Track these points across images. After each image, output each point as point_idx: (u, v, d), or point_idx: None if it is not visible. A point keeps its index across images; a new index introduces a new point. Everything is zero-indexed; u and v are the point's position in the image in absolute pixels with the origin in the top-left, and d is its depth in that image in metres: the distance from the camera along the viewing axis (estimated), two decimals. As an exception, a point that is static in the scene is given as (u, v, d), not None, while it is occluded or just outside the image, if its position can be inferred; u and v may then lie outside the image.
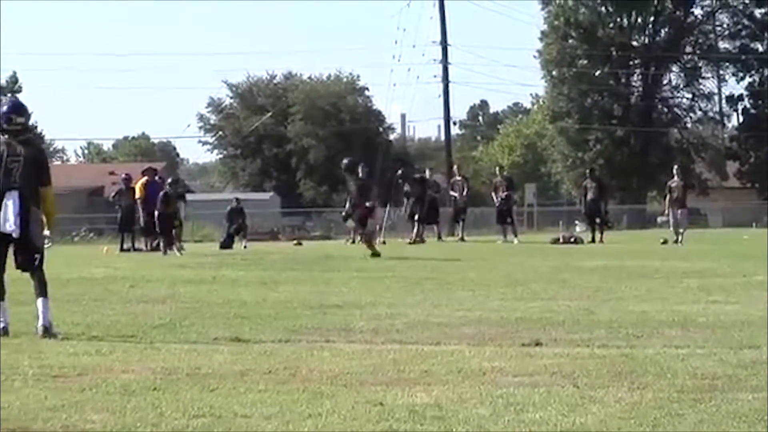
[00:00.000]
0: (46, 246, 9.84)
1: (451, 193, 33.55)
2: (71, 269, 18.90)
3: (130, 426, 5.71)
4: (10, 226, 9.37)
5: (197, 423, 5.76)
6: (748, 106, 65.92)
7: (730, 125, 69.34)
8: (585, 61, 63.42)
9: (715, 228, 49.16)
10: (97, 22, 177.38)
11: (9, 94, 60.16)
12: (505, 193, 31.13)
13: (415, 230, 30.35)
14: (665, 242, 28.21)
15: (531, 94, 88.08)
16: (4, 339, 9.01)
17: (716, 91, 67.10)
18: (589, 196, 30.87)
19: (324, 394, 6.48)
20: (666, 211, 30.19)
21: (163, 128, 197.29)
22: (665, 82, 66.69)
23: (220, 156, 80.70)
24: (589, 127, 62.81)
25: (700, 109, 66.80)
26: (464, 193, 32.73)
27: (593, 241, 29.43)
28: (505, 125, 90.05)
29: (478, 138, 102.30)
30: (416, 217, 30.49)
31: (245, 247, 29.75)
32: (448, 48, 57.45)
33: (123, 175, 31.08)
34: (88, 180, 66.37)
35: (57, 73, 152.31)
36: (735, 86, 67.50)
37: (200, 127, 77.36)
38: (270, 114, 71.56)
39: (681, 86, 66.93)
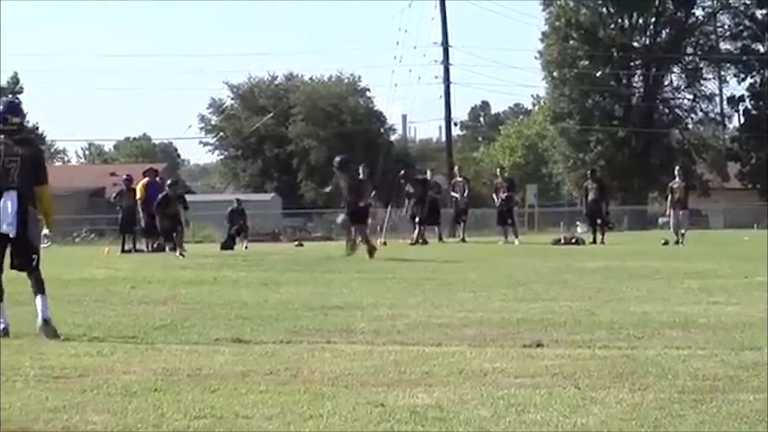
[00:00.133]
0: (45, 245, 9.84)
1: (452, 194, 33.54)
2: (72, 270, 18.92)
3: (132, 427, 5.71)
4: (9, 226, 9.37)
5: (198, 424, 5.76)
6: (750, 107, 65.92)
7: (731, 126, 69.39)
8: (586, 62, 63.43)
9: (716, 229, 49.15)
10: (98, 22, 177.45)
11: (10, 95, 60.24)
12: (506, 194, 31.11)
13: (416, 231, 30.35)
14: (666, 243, 28.22)
15: (532, 95, 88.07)
16: (4, 340, 9.01)
17: (717, 92, 67.18)
18: (590, 197, 30.86)
19: (325, 395, 6.48)
20: (667, 212, 30.24)
21: (164, 129, 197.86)
22: (666, 83, 66.71)
23: (221, 157, 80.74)
24: (590, 128, 62.82)
25: (701, 110, 66.82)
26: (465, 194, 32.73)
27: (594, 242, 29.42)
28: (506, 126, 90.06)
29: (479, 139, 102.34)
30: (417, 218, 30.49)
31: (246, 248, 29.77)
32: (449, 49, 57.52)
33: (124, 176, 31.07)
34: (90, 181, 66.43)
35: (58, 74, 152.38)
36: (736, 87, 67.59)
37: (201, 128, 77.49)
38: (271, 115, 71.59)
39: (682, 87, 66.95)
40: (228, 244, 30.37)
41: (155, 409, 6.10)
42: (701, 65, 66.35)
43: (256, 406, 6.16)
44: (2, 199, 9.40)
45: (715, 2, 66.07)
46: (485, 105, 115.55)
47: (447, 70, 57.02)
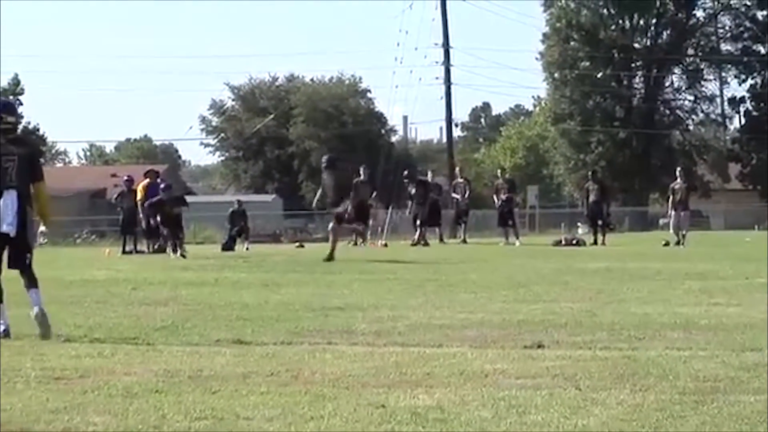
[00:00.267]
0: (42, 242, 9.86)
1: (453, 195, 33.54)
2: (73, 271, 18.93)
3: (132, 428, 5.71)
4: (9, 226, 9.39)
5: (199, 425, 5.76)
6: (750, 108, 65.97)
7: (732, 127, 69.48)
8: (587, 63, 63.48)
9: (717, 230, 49.17)
10: (98, 23, 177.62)
11: (11, 96, 60.25)
12: (506, 195, 31.11)
13: (417, 232, 30.36)
14: (667, 244, 28.22)
15: (533, 96, 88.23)
16: (5, 341, 9.01)
17: (718, 93, 67.26)
18: (591, 198, 30.87)
19: (326, 397, 6.48)
20: (669, 213, 30.26)
21: (165, 130, 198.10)
22: (667, 84, 66.76)
23: (222, 158, 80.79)
24: (591, 129, 62.86)
25: (702, 111, 66.89)
26: (466, 195, 32.72)
27: (595, 243, 29.42)
28: (507, 127, 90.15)
29: (480, 140, 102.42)
30: (418, 219, 30.49)
31: (247, 249, 29.79)
32: (450, 50, 57.57)
33: (125, 178, 31.11)
34: (90, 182, 66.51)
35: (59, 75, 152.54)
36: (737, 88, 67.69)
37: (202, 129, 77.57)
38: (272, 116, 71.62)
39: (683, 88, 67.01)
40: (229, 246, 30.38)
41: (156, 410, 6.10)
42: (702, 66, 66.40)
43: (257, 408, 6.15)
44: (2, 199, 9.41)
45: (715, 3, 66.12)
46: (486, 106, 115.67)
47: (448, 71, 57.08)
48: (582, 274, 17.00)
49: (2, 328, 9.31)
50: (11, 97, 59.01)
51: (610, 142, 63.02)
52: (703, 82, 66.23)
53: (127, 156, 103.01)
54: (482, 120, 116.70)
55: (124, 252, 28.02)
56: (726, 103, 67.62)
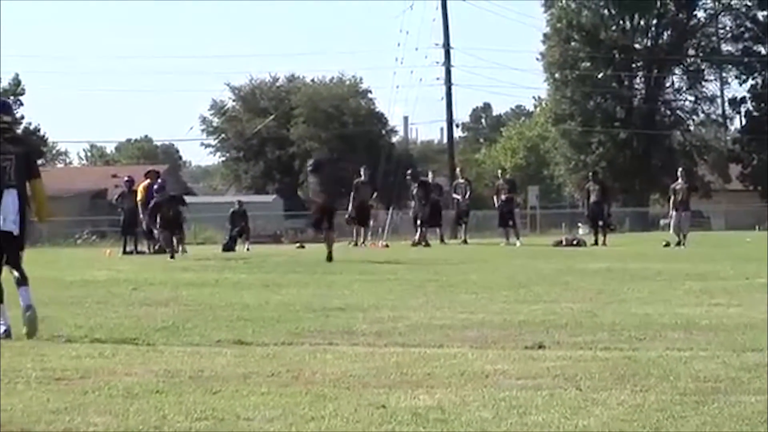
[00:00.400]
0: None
1: (454, 195, 33.53)
2: (74, 272, 18.94)
3: (133, 429, 5.71)
4: (13, 224, 9.42)
5: (200, 426, 5.76)
6: (751, 108, 65.97)
7: (732, 128, 69.49)
8: (588, 64, 63.47)
9: (717, 230, 49.16)
10: (99, 24, 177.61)
11: (12, 97, 60.27)
12: (507, 195, 31.11)
13: (418, 233, 30.37)
14: (668, 245, 28.21)
15: (533, 97, 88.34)
16: (6, 342, 9.02)
17: (719, 93, 67.25)
18: (592, 198, 30.88)
19: (327, 397, 6.48)
20: (670, 213, 30.27)
21: (165, 131, 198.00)
22: (668, 84, 66.76)
23: (223, 158, 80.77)
24: (592, 130, 62.87)
25: (703, 112, 66.90)
26: (467, 195, 32.71)
27: (596, 243, 29.42)
28: (507, 128, 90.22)
29: (481, 140, 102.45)
30: (419, 219, 30.50)
31: (248, 249, 29.79)
32: (451, 50, 57.55)
33: (126, 178, 31.12)
34: (91, 183, 66.51)
35: (60, 76, 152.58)
36: (738, 89, 67.72)
37: (203, 130, 77.53)
38: (273, 116, 71.61)
39: (684, 89, 67.02)
40: (229, 246, 30.37)
41: (157, 410, 6.10)
42: (703, 67, 66.41)
43: (257, 408, 6.16)
44: (2, 198, 9.43)
45: (716, 4, 66.11)
46: (487, 107, 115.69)
47: (448, 72, 57.07)
48: (583, 274, 17.00)
49: (3, 328, 9.32)
50: (11, 98, 59.05)
51: (610, 143, 63.02)
52: (703, 83, 66.27)
53: (127, 156, 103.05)
54: (483, 120, 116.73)
55: (124, 252, 28.04)
56: (727, 104, 67.70)
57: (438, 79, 57.95)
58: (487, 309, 11.61)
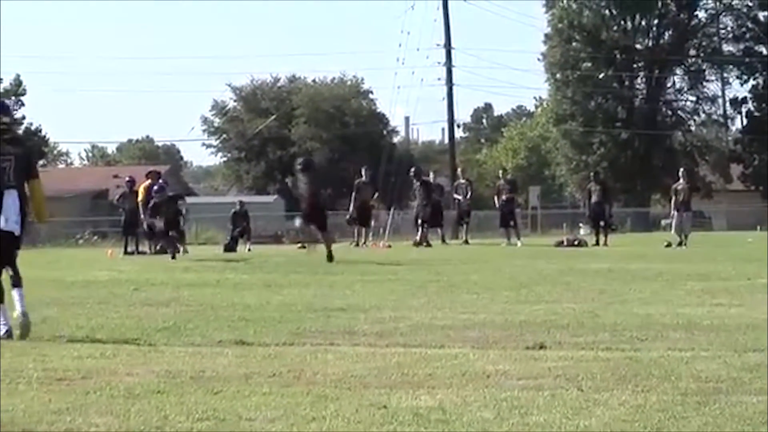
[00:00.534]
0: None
1: (455, 196, 33.53)
2: (75, 272, 18.94)
3: (134, 429, 5.71)
4: (15, 224, 9.43)
5: (201, 426, 5.76)
6: (752, 108, 65.98)
7: (734, 128, 69.50)
8: (589, 64, 63.47)
9: (719, 231, 49.16)
10: (100, 24, 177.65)
11: (13, 97, 60.30)
12: (508, 195, 31.10)
13: (419, 233, 30.36)
14: (669, 245, 28.20)
15: (535, 97, 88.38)
16: (7, 342, 9.02)
17: (720, 93, 67.25)
18: (593, 198, 30.89)
19: (328, 397, 6.48)
20: (672, 214, 30.28)
21: (167, 131, 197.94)
22: (669, 85, 66.75)
23: (224, 159, 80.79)
24: (593, 130, 62.88)
25: (704, 112, 66.92)
26: (468, 196, 32.71)
27: (597, 243, 29.43)
28: (508, 128, 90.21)
29: (482, 141, 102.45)
30: (420, 220, 30.49)
31: (249, 250, 29.77)
32: (452, 51, 57.49)
33: (127, 178, 31.11)
34: (92, 183, 66.53)
35: (61, 76, 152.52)
36: (739, 89, 67.75)
37: (204, 130, 77.56)
38: (274, 117, 71.63)
39: (685, 89, 67.03)
40: (231, 246, 30.35)
41: (158, 411, 6.10)
42: (704, 67, 66.42)
43: (259, 408, 6.16)
44: (3, 199, 9.45)
45: (717, 4, 66.10)
46: (488, 107, 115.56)
47: (450, 72, 57.02)
48: (584, 274, 16.99)
49: (4, 329, 9.32)
50: (13, 98, 59.08)
51: (611, 143, 63.02)
52: (704, 83, 66.28)
53: (129, 157, 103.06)
54: (484, 121, 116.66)
55: (126, 253, 28.03)
56: (728, 104, 67.71)
57: (439, 79, 57.95)
58: (489, 309, 11.61)
